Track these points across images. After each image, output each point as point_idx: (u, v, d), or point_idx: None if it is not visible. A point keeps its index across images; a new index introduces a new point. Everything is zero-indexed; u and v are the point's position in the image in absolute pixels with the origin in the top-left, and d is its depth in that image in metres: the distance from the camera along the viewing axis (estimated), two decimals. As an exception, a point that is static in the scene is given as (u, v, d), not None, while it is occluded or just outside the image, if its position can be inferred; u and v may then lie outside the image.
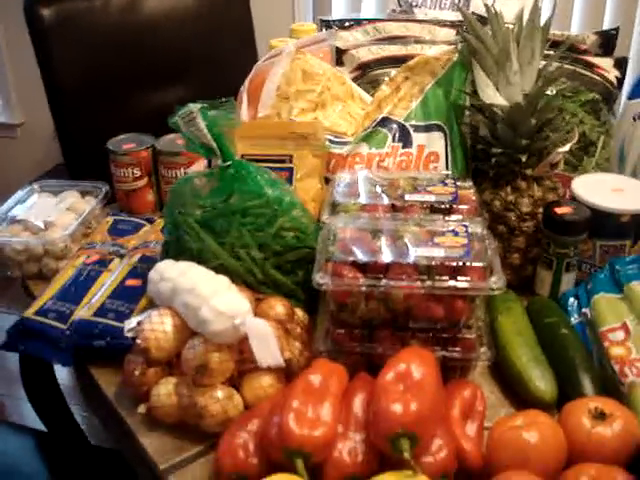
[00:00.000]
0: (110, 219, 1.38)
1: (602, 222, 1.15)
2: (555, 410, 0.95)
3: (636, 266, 1.11)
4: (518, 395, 1.01)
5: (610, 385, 0.98)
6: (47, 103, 1.87)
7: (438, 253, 0.95)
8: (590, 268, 1.20)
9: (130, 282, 1.17)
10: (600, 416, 0.88)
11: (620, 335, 1.02)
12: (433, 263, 0.93)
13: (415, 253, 0.95)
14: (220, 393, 0.94)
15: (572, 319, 1.12)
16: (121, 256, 1.25)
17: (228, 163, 1.06)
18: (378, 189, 1.11)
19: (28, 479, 1.39)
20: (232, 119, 1.06)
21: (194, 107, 1.02)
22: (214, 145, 1.05)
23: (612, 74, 1.38)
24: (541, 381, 0.98)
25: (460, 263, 0.93)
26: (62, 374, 1.76)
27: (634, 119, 1.38)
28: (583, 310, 1.11)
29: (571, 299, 1.15)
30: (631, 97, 1.44)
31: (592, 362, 1.02)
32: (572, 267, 1.15)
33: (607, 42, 1.44)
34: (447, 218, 1.03)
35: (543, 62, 1.18)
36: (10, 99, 3.27)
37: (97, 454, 1.51)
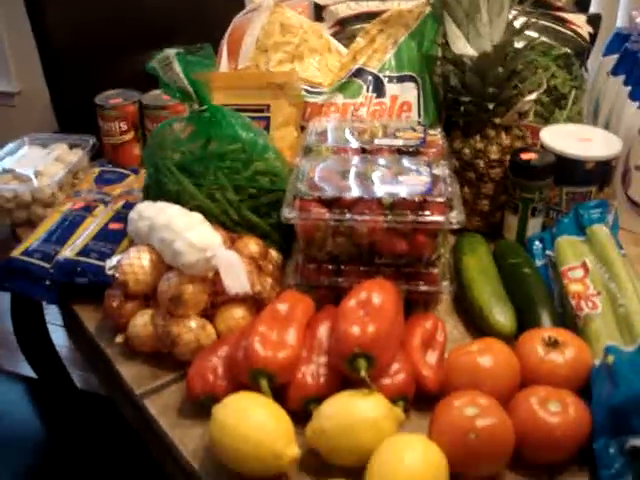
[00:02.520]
0: (97, 169, 1.43)
1: (568, 169, 1.19)
2: (514, 343, 1.00)
3: (599, 210, 1.15)
4: (481, 331, 1.05)
5: (568, 321, 1.02)
6: (43, 75, 1.91)
7: (401, 190, 0.99)
8: (557, 214, 1.24)
9: (113, 225, 1.22)
10: (553, 344, 0.92)
11: (579, 273, 1.06)
12: (396, 199, 0.98)
13: (379, 190, 0.99)
14: (193, 323, 0.99)
15: (537, 262, 1.16)
16: (106, 203, 1.30)
17: (204, 107, 1.10)
18: (349, 134, 1.15)
19: (19, 424, 1.43)
20: (208, 65, 1.10)
21: (170, 52, 1.06)
22: (190, 90, 1.09)
23: (585, 30, 1.42)
24: (501, 315, 1.03)
25: (421, 198, 0.97)
26: (60, 340, 1.83)
27: (608, 74, 1.42)
28: (547, 252, 1.16)
29: (536, 243, 1.19)
30: (606, 54, 1.47)
31: (552, 299, 1.06)
32: (538, 212, 1.19)
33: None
34: (413, 159, 1.07)
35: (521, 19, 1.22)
36: (7, 68, 3.30)
37: (85, 399, 1.56)
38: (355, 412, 0.84)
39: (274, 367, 0.88)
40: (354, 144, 1.12)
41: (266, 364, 0.88)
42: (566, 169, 1.19)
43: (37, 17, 1.85)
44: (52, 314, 2.01)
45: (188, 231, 0.98)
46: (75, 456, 1.35)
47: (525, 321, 1.03)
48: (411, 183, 1.00)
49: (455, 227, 0.97)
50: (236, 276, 0.96)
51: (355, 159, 1.08)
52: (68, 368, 1.77)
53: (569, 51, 1.39)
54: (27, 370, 1.66)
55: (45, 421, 1.46)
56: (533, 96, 1.20)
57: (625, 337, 0.94)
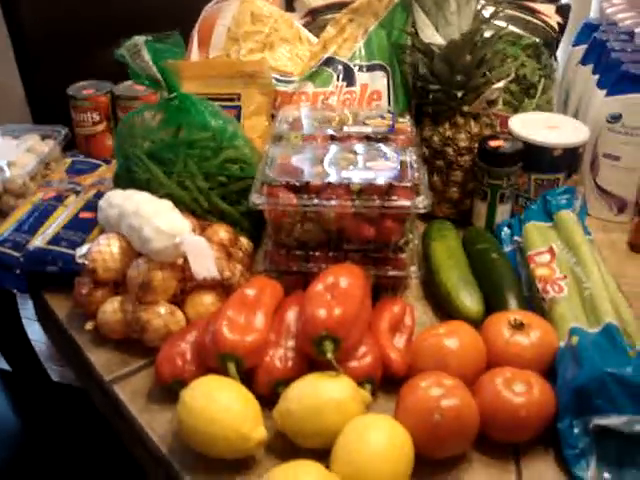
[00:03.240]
0: (69, 160, 1.42)
1: (536, 156, 1.21)
2: (481, 327, 1.01)
3: (566, 197, 1.16)
4: (449, 315, 1.06)
5: (535, 305, 1.04)
6: (17, 67, 1.90)
7: (369, 175, 1.00)
8: (525, 201, 1.25)
9: (84, 215, 1.21)
10: (519, 326, 0.93)
11: (546, 257, 1.07)
12: (364, 184, 0.98)
13: (347, 175, 1.00)
14: (162, 309, 0.99)
15: (505, 247, 1.17)
16: (77, 192, 1.29)
17: (173, 95, 1.11)
18: (319, 122, 1.16)
19: (-7, 416, 1.44)
20: (177, 52, 1.11)
21: (139, 39, 1.06)
22: (159, 77, 1.09)
23: (554, 20, 1.43)
24: (468, 299, 1.04)
25: (388, 184, 0.98)
26: (36, 335, 1.82)
27: (577, 64, 1.44)
28: (515, 238, 1.17)
29: (505, 229, 1.20)
30: (575, 44, 1.49)
31: (519, 284, 1.08)
32: (506, 199, 1.20)
33: (553, -10, 1.49)
34: (381, 146, 1.08)
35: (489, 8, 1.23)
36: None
37: (59, 391, 1.56)
38: (321, 394, 0.85)
39: (241, 351, 0.88)
40: (324, 132, 1.13)
41: (234, 348, 0.88)
42: (534, 156, 1.20)
43: (10, 10, 1.84)
44: (28, 309, 2.01)
45: (156, 217, 0.99)
46: (50, 447, 1.35)
47: (492, 305, 1.03)
48: (379, 169, 1.01)
49: (422, 211, 0.98)
50: (204, 261, 0.97)
51: (325, 146, 1.08)
52: (44, 363, 1.77)
53: (538, 40, 1.41)
54: (1, 364, 1.65)
55: (19, 413, 1.46)
56: (501, 84, 1.21)
57: (590, 320, 0.95)
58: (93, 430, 1.38)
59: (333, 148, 1.07)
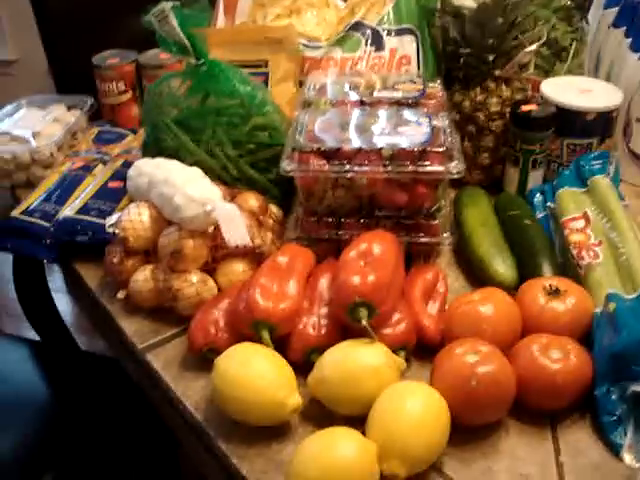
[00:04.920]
0: (95, 129, 1.42)
1: (569, 121, 1.19)
2: (516, 294, 1.00)
3: (600, 162, 1.15)
4: (482, 282, 1.04)
5: (569, 271, 1.02)
6: (40, 38, 1.90)
7: (401, 141, 0.98)
8: (558, 167, 1.23)
9: (112, 184, 1.21)
10: (555, 292, 0.92)
11: (580, 223, 1.05)
12: (396, 150, 0.97)
13: (379, 141, 0.99)
14: (194, 277, 0.99)
15: (538, 214, 1.16)
16: (105, 162, 1.29)
17: (201, 62, 1.09)
18: (348, 88, 1.14)
19: (23, 386, 1.44)
20: (204, 18, 1.09)
21: (166, 5, 1.05)
22: (187, 44, 1.08)
23: (586, -19, 1.40)
24: (501, 266, 1.03)
25: (421, 149, 0.97)
26: (64, 307, 1.83)
27: (609, 27, 1.40)
28: (548, 204, 1.15)
29: (537, 195, 1.18)
30: (607, 6, 1.45)
31: (553, 249, 1.06)
32: (539, 164, 1.19)
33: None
34: (412, 111, 1.06)
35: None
36: (4, 36, 3.28)
37: (89, 360, 1.57)
38: (357, 360, 0.84)
39: (275, 318, 0.88)
40: (353, 97, 1.12)
41: (267, 315, 0.88)
42: (567, 121, 1.18)
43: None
44: (56, 281, 2.02)
45: (187, 185, 0.98)
46: (80, 416, 1.35)
47: (526, 272, 1.02)
48: (411, 134, 1.00)
49: (455, 177, 0.97)
50: (236, 228, 0.96)
51: (354, 111, 1.07)
52: (73, 334, 1.78)
53: (569, 3, 1.38)
54: (31, 334, 1.66)
55: (50, 383, 1.47)
56: (533, 47, 1.19)
57: (626, 285, 0.94)
58: (125, 399, 1.39)
59: (364, 113, 1.06)
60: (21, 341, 1.63)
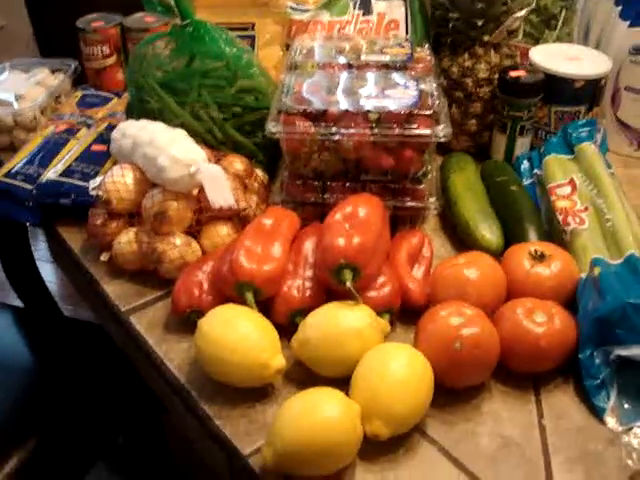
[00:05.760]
0: (79, 93, 1.40)
1: (557, 88, 1.18)
2: (501, 259, 0.99)
3: (588, 129, 1.14)
4: (467, 248, 1.04)
5: (555, 238, 1.02)
6: (24, 6, 1.87)
7: (388, 104, 0.97)
8: (545, 135, 1.23)
9: (96, 147, 1.20)
10: (540, 257, 0.92)
11: (567, 190, 1.05)
12: (383, 113, 0.96)
13: (366, 104, 0.98)
14: (178, 240, 0.98)
15: (524, 180, 1.15)
16: (89, 125, 1.28)
17: (186, 22, 1.08)
18: (335, 51, 1.13)
19: (7, 351, 1.44)
20: (190, -22, 1.08)
21: (151, -37, 1.03)
22: (172, 3, 1.06)
23: (576, -52, 1.39)
24: (487, 230, 1.02)
25: (408, 112, 0.96)
26: (49, 276, 1.81)
27: (598, -4, 1.40)
28: (535, 171, 1.15)
29: (524, 162, 1.18)
30: (597, -26, 1.45)
31: (539, 215, 1.06)
32: (526, 131, 1.18)
33: None
34: (400, 74, 1.05)
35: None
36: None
37: (73, 326, 1.56)
38: (340, 322, 0.84)
39: (259, 280, 0.87)
40: (340, 60, 1.11)
41: (251, 277, 0.87)
42: (555, 88, 1.18)
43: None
44: (40, 250, 2.01)
45: (172, 146, 0.97)
46: (64, 382, 1.35)
47: (512, 237, 1.02)
48: (398, 97, 0.99)
49: (442, 140, 0.96)
50: (220, 190, 0.95)
51: (342, 74, 1.06)
52: (58, 303, 1.77)
53: (560, -30, 1.36)
54: (14, 301, 1.66)
55: (33, 348, 1.46)
56: (522, 13, 1.18)
57: (612, 251, 0.94)
58: (108, 364, 1.39)
59: (350, 76, 1.05)
60: (4, 307, 1.61)
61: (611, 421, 0.82)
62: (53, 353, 1.43)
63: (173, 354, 0.91)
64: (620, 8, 1.29)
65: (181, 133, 1.02)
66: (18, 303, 1.67)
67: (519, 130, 1.17)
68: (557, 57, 1.21)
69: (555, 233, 1.03)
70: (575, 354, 0.85)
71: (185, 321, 0.92)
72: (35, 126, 1.32)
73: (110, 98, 1.39)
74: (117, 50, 1.47)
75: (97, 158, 1.17)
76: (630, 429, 0.80)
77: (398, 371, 0.79)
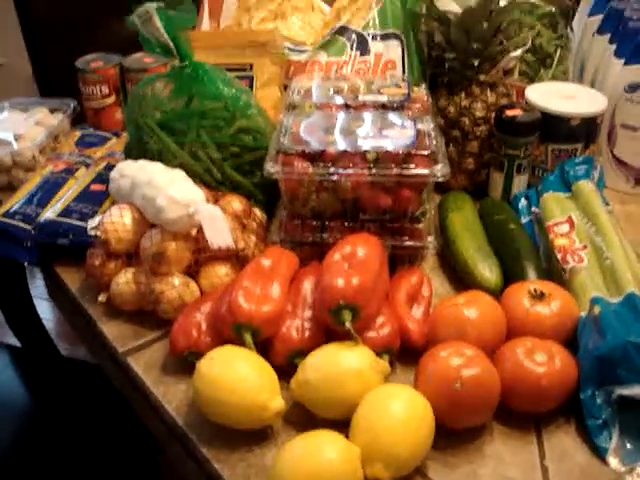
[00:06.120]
0: (78, 133, 1.41)
1: (553, 126, 1.19)
2: (500, 298, 0.99)
3: (585, 167, 1.15)
4: (466, 287, 1.04)
5: (554, 275, 1.02)
6: (24, 44, 1.89)
7: (386, 144, 0.98)
8: (543, 172, 1.23)
9: (95, 187, 1.20)
10: (539, 296, 0.92)
11: (565, 228, 1.05)
12: (380, 152, 0.97)
13: (364, 144, 0.98)
14: (177, 280, 0.98)
15: (522, 219, 1.15)
16: (87, 165, 1.28)
17: (185, 63, 1.09)
18: (333, 91, 1.14)
19: (4, 392, 1.43)
20: (189, 19, 1.08)
21: (151, 6, 1.04)
22: (171, 45, 1.07)
23: (570, -11, 1.41)
24: (486, 270, 1.02)
25: (406, 152, 0.96)
26: (45, 313, 1.80)
27: (593, 35, 1.41)
28: (533, 209, 1.15)
29: (522, 200, 1.18)
30: (591, 14, 1.46)
31: (537, 254, 1.06)
32: (523, 169, 1.19)
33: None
34: (397, 114, 1.06)
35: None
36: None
37: (70, 366, 1.55)
38: (340, 363, 0.83)
39: (258, 321, 0.87)
40: (338, 100, 1.11)
41: (250, 317, 0.87)
42: (551, 126, 1.18)
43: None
44: (37, 288, 2.00)
45: (170, 187, 0.97)
46: (61, 422, 1.34)
47: (511, 276, 1.02)
48: (395, 137, 0.99)
49: (440, 180, 0.96)
50: (219, 230, 0.95)
51: (339, 114, 1.07)
52: (55, 341, 1.76)
53: (554, 10, 1.38)
54: (11, 340, 1.65)
55: (30, 388, 1.45)
56: (518, 52, 1.20)
57: (611, 289, 0.94)
58: (106, 405, 1.38)
59: (348, 116, 1.06)
60: (1, 347, 1.61)
61: (614, 461, 0.81)
62: (50, 393, 1.42)
63: (171, 396, 0.90)
64: (615, 46, 1.30)
65: (180, 174, 1.02)
66: (15, 341, 1.67)
67: (516, 168, 1.18)
68: (553, 95, 1.22)
69: (554, 271, 1.03)
70: (576, 394, 0.85)
71: (183, 362, 0.92)
72: (34, 165, 1.32)
73: (109, 138, 1.40)
74: (116, 90, 1.48)
75: (96, 198, 1.17)
76: (633, 469, 0.80)
77: (399, 413, 0.78)
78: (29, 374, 1.48)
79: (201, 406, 0.84)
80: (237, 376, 0.82)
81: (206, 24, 1.31)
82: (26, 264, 1.14)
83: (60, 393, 1.42)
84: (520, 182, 1.20)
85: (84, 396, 1.42)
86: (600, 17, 1.40)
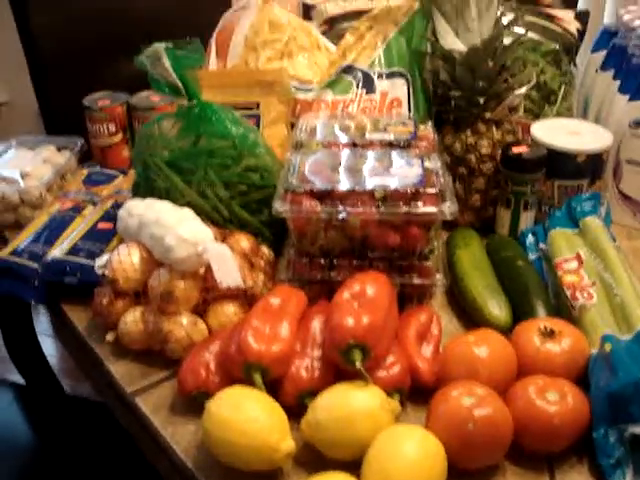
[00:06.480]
0: (85, 171, 1.42)
1: (559, 162, 1.19)
2: (510, 335, 0.99)
3: (591, 203, 1.15)
4: (475, 324, 1.04)
5: (564, 312, 1.02)
6: (30, 81, 1.90)
7: (393, 182, 0.98)
8: (549, 208, 1.23)
9: (102, 225, 1.20)
10: (549, 334, 0.92)
11: (573, 264, 1.05)
12: (388, 191, 0.97)
13: (371, 182, 0.98)
14: (185, 319, 0.98)
15: (530, 255, 1.15)
16: (94, 203, 1.28)
17: (193, 103, 1.09)
18: (340, 129, 1.15)
19: (8, 429, 1.42)
20: (197, 59, 1.09)
21: (160, 47, 1.05)
22: (180, 85, 1.08)
23: (573, 26, 1.42)
24: (495, 307, 1.02)
25: (414, 190, 0.96)
26: (49, 349, 1.80)
27: (596, 71, 1.42)
28: (540, 245, 1.15)
29: (529, 236, 1.18)
30: (594, 50, 1.48)
31: (546, 290, 1.06)
32: (530, 206, 1.19)
33: (569, -3, 1.48)
34: (404, 152, 1.07)
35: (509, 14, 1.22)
36: (-5, 77, 3.29)
37: (74, 404, 1.54)
38: (351, 403, 0.83)
39: (267, 360, 0.86)
40: (345, 139, 1.12)
41: (259, 358, 0.86)
42: (557, 162, 1.19)
43: (24, 23, 1.84)
44: (41, 324, 2.00)
45: (178, 226, 0.97)
46: (64, 460, 1.33)
47: (520, 313, 1.02)
48: (403, 175, 1.00)
49: (448, 218, 0.96)
50: (228, 269, 0.95)
51: (346, 152, 1.07)
52: (58, 377, 1.75)
53: (558, 47, 1.39)
54: (15, 377, 1.64)
55: (34, 426, 1.45)
56: (523, 90, 1.20)
57: (621, 326, 0.94)
58: (111, 444, 1.37)
59: (355, 155, 1.06)
60: (5, 385, 1.60)
61: (628, 501, 0.80)
62: (54, 431, 1.41)
63: (179, 436, 0.90)
64: (619, 82, 1.31)
65: (188, 213, 1.02)
66: (18, 377, 1.66)
67: (523, 205, 1.18)
68: (558, 132, 1.23)
69: (563, 307, 1.02)
70: (589, 432, 0.84)
71: (192, 402, 0.91)
72: (41, 203, 1.33)
73: (116, 176, 1.40)
74: (123, 128, 1.49)
75: (103, 236, 1.17)
76: (647, 509, 0.79)
77: (410, 454, 0.77)
78: (33, 412, 1.48)
79: (210, 447, 0.84)
80: (247, 417, 0.81)
81: (213, 63, 1.32)
82: (33, 303, 1.13)
83: (64, 431, 1.41)
84: (527, 218, 1.20)
85: (88, 434, 1.41)
86: (603, 53, 1.41)
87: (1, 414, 1.46)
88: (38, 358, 1.61)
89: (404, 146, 1.10)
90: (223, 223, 1.10)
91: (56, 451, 1.36)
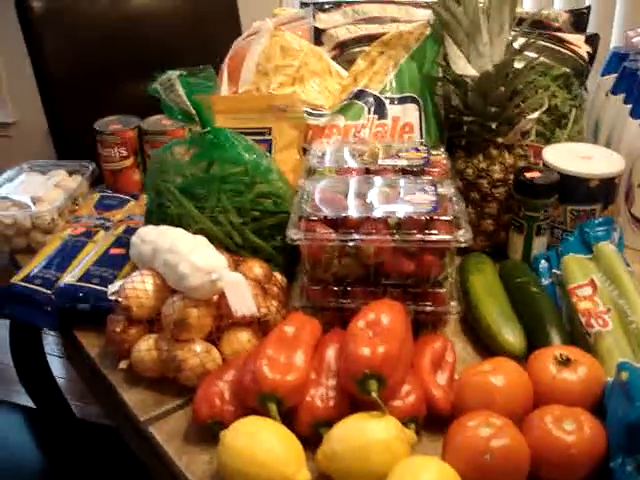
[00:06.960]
0: (96, 195, 1.42)
1: (572, 187, 1.19)
2: (524, 362, 0.98)
3: (605, 228, 1.15)
4: (490, 351, 1.04)
5: (578, 338, 1.01)
6: (40, 101, 1.91)
7: (407, 209, 0.98)
8: (562, 233, 1.23)
9: (114, 251, 1.20)
10: (565, 362, 0.91)
11: (588, 291, 1.05)
12: (402, 218, 0.97)
13: (385, 209, 0.98)
14: (199, 347, 0.97)
15: (543, 280, 1.15)
16: (106, 228, 1.29)
17: (207, 129, 1.10)
18: (352, 156, 1.15)
19: (18, 454, 1.41)
20: (210, 87, 1.10)
21: (173, 74, 1.06)
22: (193, 112, 1.08)
23: (583, 50, 1.42)
24: (510, 334, 1.02)
25: (428, 217, 0.96)
26: (57, 371, 1.79)
27: (607, 94, 1.42)
28: (554, 271, 1.15)
29: (542, 262, 1.18)
30: (604, 73, 1.48)
31: (561, 317, 1.05)
32: (543, 231, 1.19)
33: (579, 20, 1.48)
34: (417, 179, 1.07)
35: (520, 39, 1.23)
36: (3, 98, 3.31)
37: (84, 428, 1.54)
38: (367, 434, 0.82)
39: (283, 390, 0.86)
40: (358, 165, 1.12)
41: (275, 388, 0.86)
42: (570, 187, 1.19)
43: (35, 46, 1.85)
44: (48, 344, 2.00)
45: (192, 253, 0.97)
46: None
47: (534, 340, 1.01)
48: (417, 202, 1.00)
49: (463, 245, 0.96)
50: (242, 298, 0.95)
51: (359, 179, 1.07)
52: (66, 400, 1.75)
53: (568, 71, 1.40)
54: (25, 402, 1.64)
55: (44, 450, 1.44)
56: (535, 115, 1.20)
57: (637, 354, 0.94)
58: (121, 468, 1.36)
59: (369, 181, 1.06)
60: (15, 408, 1.60)
61: (646, 532, 0.79)
62: (64, 455, 1.41)
63: (194, 466, 0.89)
64: (630, 107, 1.32)
65: (201, 240, 1.02)
66: (27, 399, 1.65)
67: (536, 230, 1.18)
68: (570, 156, 1.23)
69: (577, 334, 1.02)
70: (606, 462, 0.83)
71: (206, 431, 0.91)
72: (53, 228, 1.33)
73: (127, 200, 1.40)
74: (134, 152, 1.49)
75: (115, 262, 1.17)
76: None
77: (428, 486, 0.77)
78: (43, 436, 1.47)
79: (226, 478, 0.83)
80: (262, 448, 0.81)
81: (225, 89, 1.33)
82: (46, 329, 1.13)
83: (75, 456, 1.40)
84: (540, 243, 1.20)
85: (99, 458, 1.40)
86: (613, 77, 1.42)
87: (12, 437, 1.45)
88: (48, 381, 1.61)
89: (417, 172, 1.10)
90: (236, 249, 1.10)
91: (66, 475, 1.35)
